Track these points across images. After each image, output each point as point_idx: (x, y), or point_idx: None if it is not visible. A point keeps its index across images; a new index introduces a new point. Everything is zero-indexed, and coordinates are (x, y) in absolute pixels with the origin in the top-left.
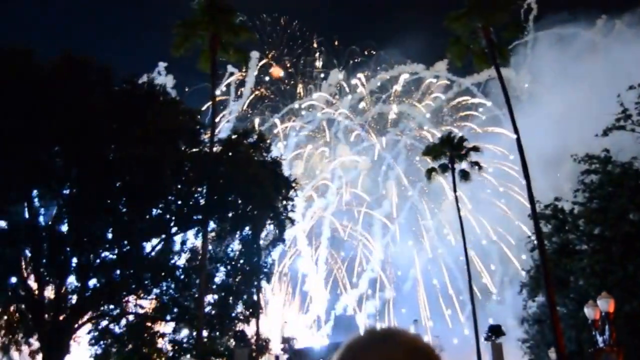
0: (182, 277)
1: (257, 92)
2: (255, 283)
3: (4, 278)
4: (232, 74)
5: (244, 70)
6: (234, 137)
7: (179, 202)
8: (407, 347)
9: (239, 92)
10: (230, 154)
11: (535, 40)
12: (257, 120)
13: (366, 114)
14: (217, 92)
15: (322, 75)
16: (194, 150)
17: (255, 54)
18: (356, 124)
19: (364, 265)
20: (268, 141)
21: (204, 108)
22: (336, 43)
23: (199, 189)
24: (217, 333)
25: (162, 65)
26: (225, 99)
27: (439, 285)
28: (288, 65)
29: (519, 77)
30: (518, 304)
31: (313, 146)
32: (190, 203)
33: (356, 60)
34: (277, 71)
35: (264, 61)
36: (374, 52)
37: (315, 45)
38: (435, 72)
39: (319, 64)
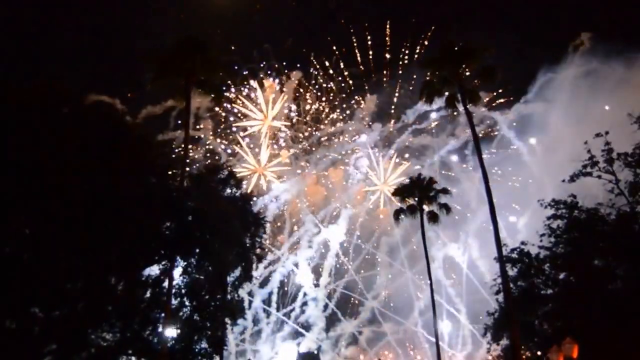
0: (146, 311)
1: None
2: (221, 319)
3: None
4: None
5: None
6: (203, 172)
7: (146, 236)
8: None
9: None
10: (199, 189)
11: (571, 76)
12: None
13: (394, 145)
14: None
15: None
16: (163, 184)
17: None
18: (383, 155)
19: (365, 295)
20: (238, 177)
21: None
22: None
23: (167, 224)
24: None
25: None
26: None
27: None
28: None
29: (548, 111)
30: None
31: (333, 175)
32: (157, 237)
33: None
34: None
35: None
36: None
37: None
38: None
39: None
